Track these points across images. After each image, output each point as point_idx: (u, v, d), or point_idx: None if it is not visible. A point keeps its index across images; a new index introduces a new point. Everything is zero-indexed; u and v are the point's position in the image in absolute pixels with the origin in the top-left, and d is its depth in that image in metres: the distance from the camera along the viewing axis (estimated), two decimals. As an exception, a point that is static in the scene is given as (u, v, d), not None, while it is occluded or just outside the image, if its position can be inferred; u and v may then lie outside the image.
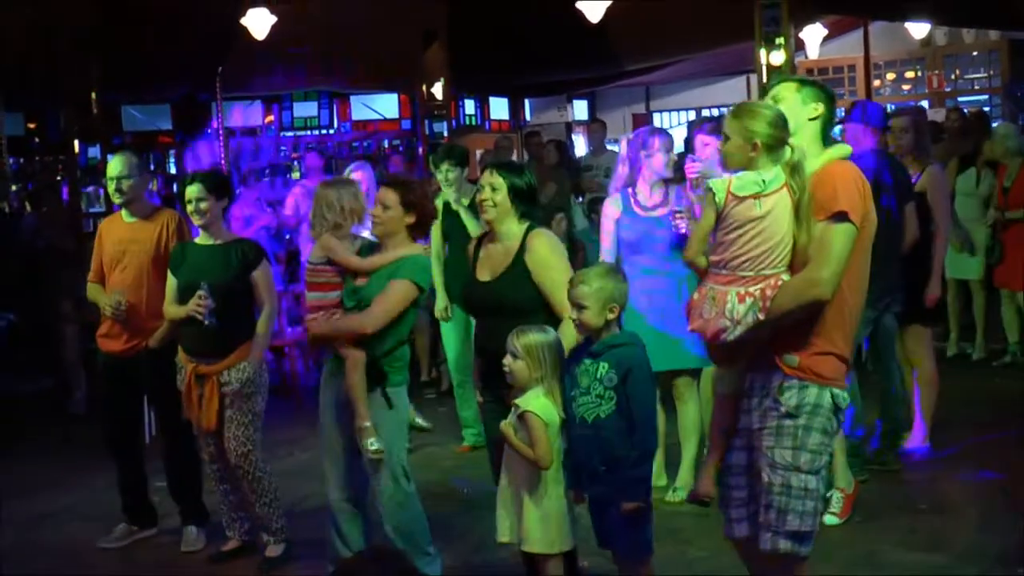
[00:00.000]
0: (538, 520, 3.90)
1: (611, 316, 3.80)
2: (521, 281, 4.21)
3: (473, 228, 6.23)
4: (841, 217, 3.24)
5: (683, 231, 5.33)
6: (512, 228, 4.29)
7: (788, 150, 3.29)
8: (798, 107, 3.44)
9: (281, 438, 6.89)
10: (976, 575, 4.60)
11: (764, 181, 3.25)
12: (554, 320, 4.12)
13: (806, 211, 3.24)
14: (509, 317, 4.07)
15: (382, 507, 4.40)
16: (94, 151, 12.71)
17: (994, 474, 5.74)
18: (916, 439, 6.22)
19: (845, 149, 3.51)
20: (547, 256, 4.24)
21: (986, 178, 8.36)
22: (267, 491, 5.10)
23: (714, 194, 3.31)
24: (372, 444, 4.28)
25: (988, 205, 8.29)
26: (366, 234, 4.62)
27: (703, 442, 5.88)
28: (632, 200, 5.57)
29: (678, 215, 5.36)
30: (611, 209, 5.62)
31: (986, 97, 13.51)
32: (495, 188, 4.25)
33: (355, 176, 6.75)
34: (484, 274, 4.31)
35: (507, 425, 3.92)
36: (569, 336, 3.97)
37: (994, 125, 9.65)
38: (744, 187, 3.26)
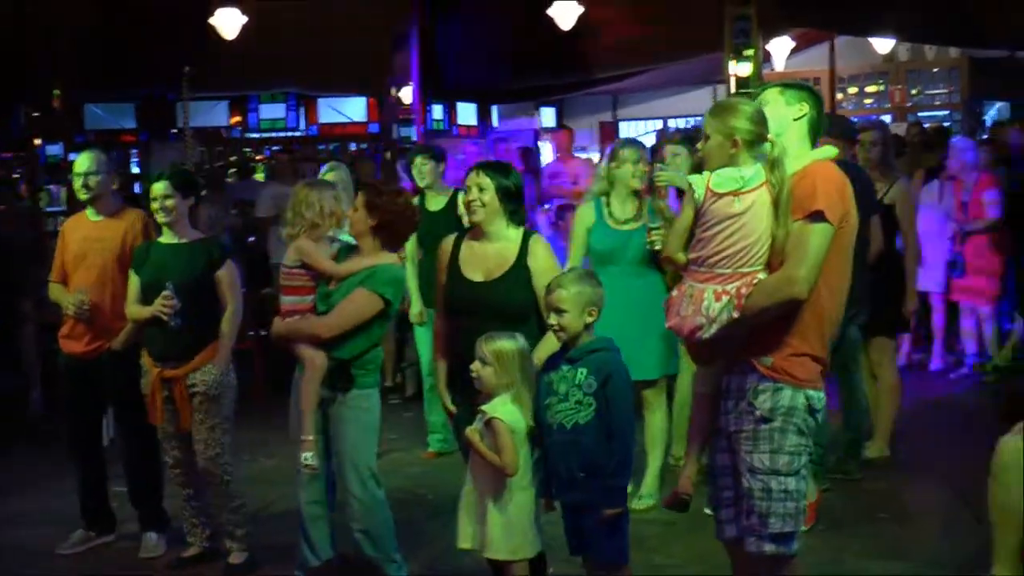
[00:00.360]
0: (502, 527, 3.89)
1: (589, 319, 3.80)
2: (522, 284, 4.18)
3: None
4: (818, 216, 3.24)
5: (656, 248, 5.31)
6: (503, 229, 4.25)
7: (768, 145, 3.29)
8: (783, 109, 3.45)
9: (246, 442, 6.82)
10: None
11: (743, 178, 3.26)
12: (543, 328, 4.09)
13: (785, 206, 3.24)
14: (502, 320, 4.02)
15: (351, 511, 4.37)
16: (55, 149, 12.56)
17: (953, 483, 5.79)
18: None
19: (831, 151, 3.52)
20: (549, 263, 4.23)
21: (948, 192, 8.44)
22: (234, 496, 5.04)
23: (693, 190, 3.31)
24: (307, 459, 4.28)
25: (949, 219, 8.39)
26: (344, 236, 4.59)
27: (668, 451, 5.92)
28: (606, 211, 5.55)
29: (652, 231, 5.35)
30: (584, 217, 5.59)
31: (946, 112, 13.72)
32: (483, 188, 4.21)
33: (330, 177, 6.68)
34: (475, 274, 4.25)
35: (473, 431, 3.92)
36: (555, 344, 3.95)
37: (952, 140, 9.78)
38: (723, 183, 3.27)
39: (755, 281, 3.24)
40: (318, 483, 4.45)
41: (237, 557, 5.07)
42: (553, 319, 3.81)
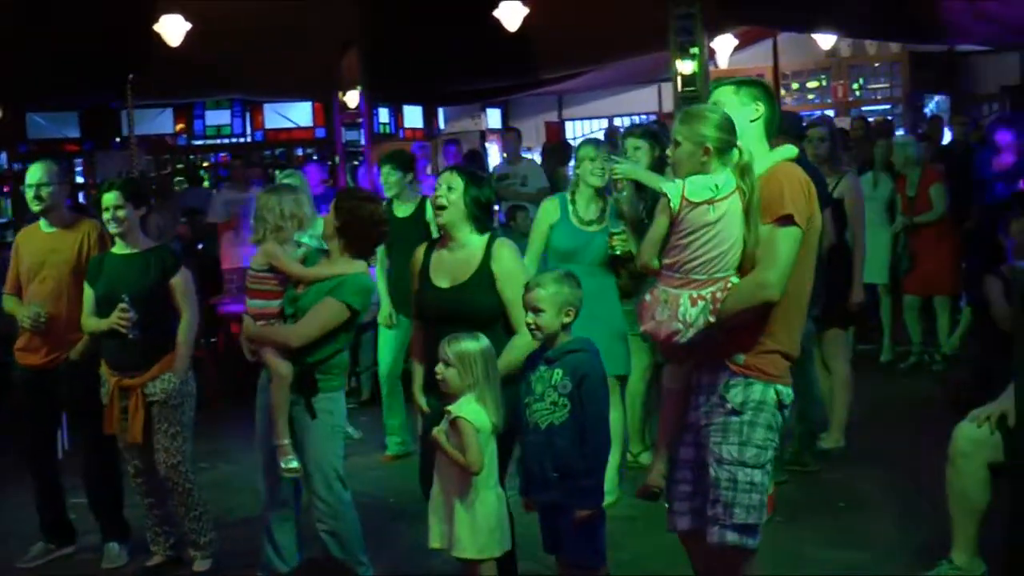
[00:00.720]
0: (469, 526, 3.92)
1: (567, 319, 3.83)
2: (486, 288, 4.17)
3: None
4: (787, 220, 3.31)
5: (616, 252, 5.36)
6: (469, 236, 4.24)
7: (736, 152, 3.34)
8: (738, 110, 3.49)
9: (205, 450, 6.77)
10: (898, 571, 4.72)
11: (716, 186, 3.31)
12: (509, 332, 4.11)
13: (755, 212, 3.30)
14: (468, 325, 4.02)
15: (318, 513, 4.38)
16: (-2, 159, 12.36)
17: (908, 471, 5.90)
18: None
19: (791, 150, 3.56)
20: (514, 267, 4.22)
21: (882, 182, 8.55)
22: (196, 504, 5.03)
23: (669, 200, 3.35)
24: (288, 463, 4.29)
25: (888, 209, 8.48)
26: (307, 240, 4.59)
27: (626, 447, 5.96)
28: (571, 209, 5.57)
29: (614, 236, 5.37)
30: (548, 213, 5.58)
31: (888, 107, 13.96)
32: (451, 187, 4.20)
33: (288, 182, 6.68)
34: (442, 281, 4.25)
35: (439, 431, 3.94)
36: (521, 348, 3.99)
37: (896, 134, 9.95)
38: (697, 192, 3.31)
39: (729, 285, 3.30)
40: (282, 487, 4.45)
41: (201, 564, 5.07)
42: (530, 318, 3.84)
